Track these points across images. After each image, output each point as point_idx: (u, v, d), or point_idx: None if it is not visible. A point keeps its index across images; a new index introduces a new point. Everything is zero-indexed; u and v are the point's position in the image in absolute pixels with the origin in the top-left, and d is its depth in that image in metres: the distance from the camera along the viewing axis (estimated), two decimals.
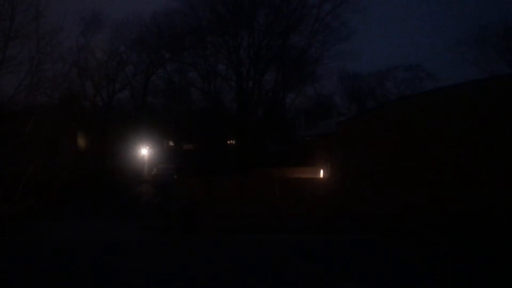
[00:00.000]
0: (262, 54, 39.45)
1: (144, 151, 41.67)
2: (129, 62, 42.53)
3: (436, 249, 12.30)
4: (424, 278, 9.17)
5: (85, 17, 38.33)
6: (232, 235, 15.27)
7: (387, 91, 55.75)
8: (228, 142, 44.35)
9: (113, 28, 41.91)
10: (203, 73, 41.42)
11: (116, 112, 42.99)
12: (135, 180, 37.27)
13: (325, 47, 40.84)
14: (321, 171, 24.92)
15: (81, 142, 33.25)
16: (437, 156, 18.55)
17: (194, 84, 42.79)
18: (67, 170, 28.02)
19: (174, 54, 41.38)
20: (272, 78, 41.20)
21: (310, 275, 9.44)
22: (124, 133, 38.04)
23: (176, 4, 47.01)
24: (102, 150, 35.28)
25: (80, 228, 17.15)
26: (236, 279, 9.16)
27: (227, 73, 41.60)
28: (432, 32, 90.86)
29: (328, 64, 48.24)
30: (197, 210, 16.64)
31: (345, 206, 18.51)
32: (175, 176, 30.58)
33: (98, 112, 38.70)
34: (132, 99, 45.48)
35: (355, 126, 20.60)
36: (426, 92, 24.71)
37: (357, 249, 12.58)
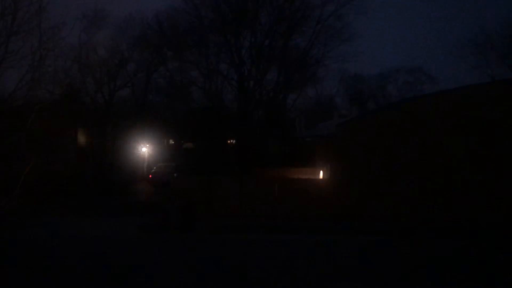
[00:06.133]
0: (263, 54, 39.34)
1: (144, 149, 41.64)
2: (131, 59, 42.43)
3: (432, 251, 12.29)
4: (420, 280, 9.16)
5: (87, 14, 38.20)
6: (230, 234, 15.27)
7: (388, 93, 55.79)
8: (228, 141, 44.28)
9: (116, 26, 41.77)
10: (205, 72, 41.31)
11: (117, 110, 42.91)
12: (135, 178, 37.25)
13: (327, 49, 40.59)
14: (321, 172, 24.89)
15: (81, 138, 33.23)
16: (439, 158, 18.53)
17: (195, 82, 42.65)
18: (67, 167, 27.98)
19: (176, 52, 41.25)
20: (274, 78, 41.04)
21: (309, 275, 9.43)
22: (124, 131, 37.99)
23: (178, 3, 46.74)
24: (102, 147, 35.25)
25: (79, 225, 17.13)
26: (234, 278, 9.15)
27: (229, 73, 41.48)
28: (434, 35, 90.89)
29: (330, 65, 47.98)
30: (196, 209, 16.63)
31: (344, 207, 18.49)
32: (175, 175, 30.57)
33: (99, 109, 38.61)
34: (133, 96, 45.38)
35: (355, 128, 20.59)
36: (427, 95, 24.72)
37: (356, 250, 12.56)
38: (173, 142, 52.25)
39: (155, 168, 37.00)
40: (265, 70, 39.90)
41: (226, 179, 22.13)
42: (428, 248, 12.88)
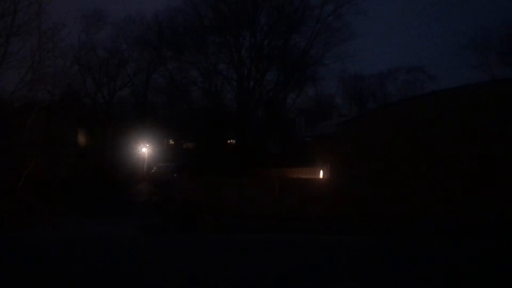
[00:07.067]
0: (263, 54, 39.43)
1: (144, 149, 41.69)
2: (131, 60, 42.65)
3: (433, 251, 12.30)
4: (420, 281, 9.16)
5: (87, 14, 38.39)
6: (231, 234, 15.25)
7: (388, 92, 55.88)
8: (229, 141, 44.34)
9: (115, 26, 42.04)
10: (204, 72, 41.40)
11: (117, 110, 43.03)
12: (135, 178, 37.26)
13: (327, 48, 40.76)
14: (321, 172, 24.90)
15: (81, 139, 33.25)
16: (438, 158, 18.54)
17: (195, 83, 42.75)
18: (67, 167, 28.02)
19: (175, 52, 41.36)
20: (273, 78, 41.15)
21: (309, 275, 9.44)
22: (124, 131, 38.06)
23: (178, 3, 47.02)
24: (102, 147, 35.29)
25: (79, 225, 17.13)
26: (234, 278, 9.17)
27: (228, 73, 41.60)
28: (434, 34, 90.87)
29: (329, 65, 48.03)
30: (196, 209, 16.63)
31: (345, 207, 18.50)
32: (175, 175, 30.59)
33: (98, 110, 38.73)
34: (133, 97, 45.52)
35: (355, 127, 20.58)
36: (427, 94, 24.69)
37: (357, 250, 12.57)
38: (173, 142, 52.30)
39: (155, 168, 37.00)
40: (265, 70, 39.99)
41: (226, 179, 22.13)
42: (429, 248, 12.89)
